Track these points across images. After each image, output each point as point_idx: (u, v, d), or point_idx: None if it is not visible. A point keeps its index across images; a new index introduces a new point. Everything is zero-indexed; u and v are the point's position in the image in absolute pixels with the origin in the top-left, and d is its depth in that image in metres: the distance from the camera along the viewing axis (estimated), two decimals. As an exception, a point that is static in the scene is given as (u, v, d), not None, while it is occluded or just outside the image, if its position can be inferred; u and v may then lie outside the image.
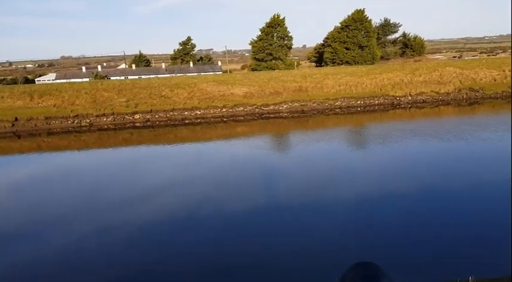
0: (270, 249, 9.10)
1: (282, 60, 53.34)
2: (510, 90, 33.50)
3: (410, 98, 32.90)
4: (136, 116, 30.38)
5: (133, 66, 62.85)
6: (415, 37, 59.85)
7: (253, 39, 53.85)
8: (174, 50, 65.99)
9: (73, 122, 29.63)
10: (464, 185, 12.65)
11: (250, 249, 9.13)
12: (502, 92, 33.43)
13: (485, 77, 35.17)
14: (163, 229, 10.61)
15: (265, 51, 52.38)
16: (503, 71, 35.72)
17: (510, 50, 61.18)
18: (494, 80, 35.00)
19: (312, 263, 8.23)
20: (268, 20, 52.61)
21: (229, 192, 13.54)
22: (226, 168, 17.15)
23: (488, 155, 16.72)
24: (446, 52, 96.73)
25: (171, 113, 31.07)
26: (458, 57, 69.72)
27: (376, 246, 8.86)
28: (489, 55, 74.23)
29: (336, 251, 8.66)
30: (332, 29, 54.26)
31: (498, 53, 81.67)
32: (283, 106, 32.10)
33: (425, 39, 62.90)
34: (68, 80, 41.32)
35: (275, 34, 52.94)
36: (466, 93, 33.51)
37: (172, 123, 29.92)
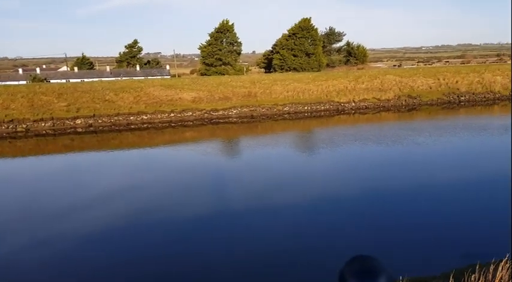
0: (220, 254, 8.97)
1: (231, 65, 53.48)
2: (444, 98, 36.15)
3: (354, 104, 34.26)
4: (78, 121, 28.93)
5: (76, 68, 59.93)
6: (358, 46, 62.73)
7: (202, 44, 53.54)
8: (120, 53, 63.92)
9: (7, 128, 27.61)
10: (400, 187, 13.26)
11: (195, 257, 8.94)
12: (437, 99, 35.82)
13: (422, 85, 37.47)
14: (105, 239, 10.12)
15: (215, 56, 52.25)
16: (438, 79, 38.30)
17: (510, 55, 64.87)
18: (430, 88, 37.37)
19: (245, 268, 8.22)
20: (217, 25, 52.62)
21: (176, 199, 13.22)
22: (175, 174, 16.77)
23: (420, 158, 17.61)
24: (387, 61, 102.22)
25: (116, 117, 29.94)
26: (398, 66, 73.88)
27: (322, 246, 9.03)
28: (425, 64, 79.42)
29: (283, 254, 8.72)
30: (280, 36, 55.42)
31: (434, 63, 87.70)
32: (232, 111, 32.11)
33: (367, 48, 66.15)
34: (2, 83, 38.42)
35: (224, 39, 53.03)
36: (405, 100, 35.49)
37: (116, 128, 28.82)
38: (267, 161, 18.70)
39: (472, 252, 7.09)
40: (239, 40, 54.15)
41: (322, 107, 33.77)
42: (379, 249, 8.72)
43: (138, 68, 59.30)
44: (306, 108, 33.34)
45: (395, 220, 10.67)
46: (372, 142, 21.09)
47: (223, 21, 52.61)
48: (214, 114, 31.48)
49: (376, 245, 8.94)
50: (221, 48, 52.36)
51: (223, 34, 52.70)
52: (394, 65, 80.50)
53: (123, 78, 46.71)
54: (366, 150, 19.79)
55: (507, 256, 5.08)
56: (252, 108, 32.49)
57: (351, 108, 33.82)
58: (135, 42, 62.54)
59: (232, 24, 52.98)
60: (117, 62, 65.82)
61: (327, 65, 57.06)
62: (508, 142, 19.93)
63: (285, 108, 32.96)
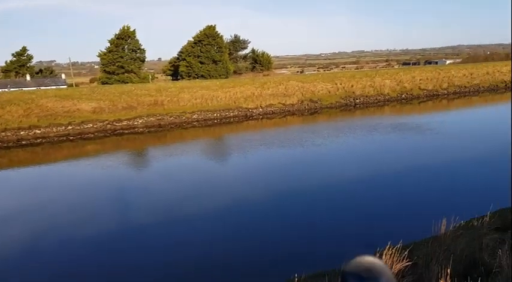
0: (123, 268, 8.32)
1: (135, 73, 51.32)
2: (342, 101, 38.97)
3: (261, 109, 35.13)
4: (-46, 140, 25.15)
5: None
6: (263, 53, 64.82)
7: (101, 51, 50.49)
8: (6, 61, 57.41)
9: None
10: (299, 189, 13.80)
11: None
12: (336, 102, 38.39)
13: (322, 90, 39.87)
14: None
15: (116, 64, 49.64)
16: (336, 84, 41.11)
17: (510, 54, 69.69)
18: (329, 92, 39.94)
19: None
20: (117, 32, 50.11)
21: (70, 220, 12.05)
22: (76, 191, 15.34)
23: (319, 159, 18.70)
24: (290, 67, 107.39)
25: (3, 133, 26.69)
26: (300, 72, 77.96)
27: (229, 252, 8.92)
28: (325, 70, 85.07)
29: (200, 261, 8.42)
30: (186, 43, 54.75)
31: (332, 68, 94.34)
32: (138, 121, 30.72)
33: (272, 55, 68.71)
34: None
35: (126, 46, 50.70)
36: (308, 104, 37.42)
37: (5, 145, 25.68)
38: (176, 171, 18.14)
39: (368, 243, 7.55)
40: (142, 47, 52.30)
41: (231, 114, 34.04)
42: (284, 247, 8.90)
43: (28, 77, 53.77)
44: (215, 115, 33.29)
45: (298, 219, 10.99)
46: (276, 146, 21.72)
47: (124, 27, 50.30)
48: (117, 124, 29.78)
49: (282, 242, 9.09)
50: (123, 55, 49.96)
51: (125, 41, 50.36)
52: (298, 71, 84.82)
53: (11, 89, 41.89)
54: (271, 154, 20.33)
55: (389, 243, 5.47)
56: (159, 117, 31.45)
57: (259, 114, 34.62)
58: (24, 49, 56.72)
59: (134, 30, 50.97)
60: (3, 72, 58.96)
61: (234, 72, 57.87)
62: (395, 139, 22.13)
63: (194, 116, 32.53)
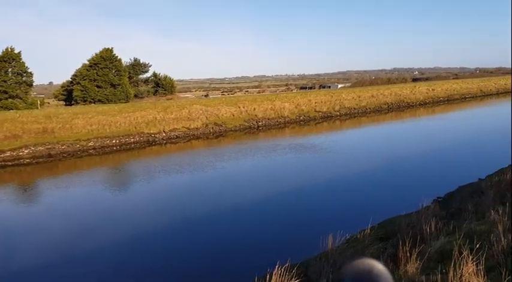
0: None
1: (21, 98, 46.56)
2: (246, 124, 39.98)
3: (164, 134, 34.30)
4: None
5: None
6: (165, 77, 63.91)
7: (-20, 75, 44.98)
8: None
9: None
10: (194, 213, 13.67)
11: None
12: (240, 125, 39.22)
13: (226, 113, 40.48)
14: None
15: (-2, 89, 44.59)
16: (239, 107, 42.12)
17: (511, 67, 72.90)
18: (233, 115, 40.70)
19: None
20: (-1, 53, 45.24)
21: None
22: None
23: (217, 182, 18.68)
24: (195, 91, 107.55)
25: None
26: (205, 96, 78.52)
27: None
28: (229, 94, 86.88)
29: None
30: (80, 66, 51.54)
31: (236, 92, 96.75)
32: (23, 151, 27.68)
33: (176, 79, 68.21)
34: None
35: (10, 69, 45.91)
36: (212, 128, 37.61)
37: None
38: (67, 205, 16.59)
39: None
40: (29, 70, 47.83)
41: (132, 139, 32.61)
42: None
43: None
44: (114, 141, 31.54)
45: (185, 246, 10.78)
46: (176, 172, 21.26)
47: (7, 49, 45.63)
48: (-2, 156, 26.48)
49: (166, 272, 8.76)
50: (6, 79, 45.06)
51: (8, 63, 45.61)
52: (203, 95, 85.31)
53: None
54: (169, 180, 19.79)
55: (278, 263, 5.61)
56: (49, 146, 28.75)
57: (162, 139, 33.73)
58: None
59: (19, 52, 46.54)
60: None
61: (135, 96, 55.94)
62: (290, 159, 23.22)
63: (90, 143, 30.41)
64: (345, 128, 39.34)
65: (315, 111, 45.32)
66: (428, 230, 7.29)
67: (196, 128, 36.56)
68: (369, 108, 49.27)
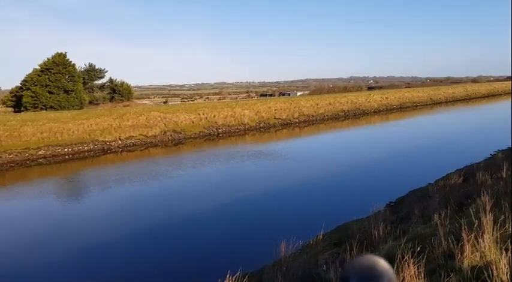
0: None
1: (-36, 104, 43.62)
2: (206, 131, 39.65)
3: (120, 142, 33.31)
4: None
5: None
6: (122, 83, 62.20)
7: None
8: None
9: None
10: (146, 224, 13.36)
11: None
12: (200, 133, 38.84)
13: (185, 120, 39.98)
14: None
15: None
16: (199, 114, 41.75)
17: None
18: (193, 122, 40.27)
19: None
20: None
21: None
22: None
23: (172, 192, 18.33)
24: (154, 97, 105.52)
25: None
26: (164, 103, 77.22)
27: None
28: (189, 101, 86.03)
29: None
30: (31, 71, 49.10)
31: (196, 99, 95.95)
32: (-35, 161, 25.88)
33: (134, 85, 66.57)
34: None
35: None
36: (171, 135, 36.99)
37: None
38: (9, 218, 15.62)
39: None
40: (-26, 75, 45.00)
41: (86, 148, 31.38)
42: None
43: None
44: (66, 150, 30.21)
45: (135, 258, 10.49)
46: (129, 181, 20.56)
47: None
48: None
49: None
50: None
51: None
52: (163, 102, 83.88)
53: None
54: (121, 190, 19.11)
55: (228, 272, 5.55)
56: (-5, 155, 27.06)
57: (118, 147, 32.72)
58: None
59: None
60: None
61: (90, 103, 54.01)
62: (248, 166, 23.23)
63: (40, 152, 28.94)
64: (303, 135, 40.00)
65: (275, 118, 45.79)
66: (377, 234, 7.49)
67: (154, 136, 35.81)
68: (327, 115, 50.45)
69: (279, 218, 12.93)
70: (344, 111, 53.23)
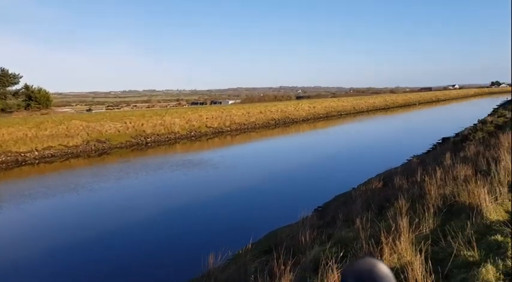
0: None
1: None
2: (133, 140, 38.01)
3: (37, 153, 30.68)
4: None
5: None
6: (40, 90, 57.55)
7: None
8: None
9: None
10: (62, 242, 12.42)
11: None
12: (126, 142, 37.16)
13: (110, 129, 38.02)
14: None
15: None
16: (125, 123, 39.99)
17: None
18: (119, 131, 38.44)
19: None
20: None
21: None
22: None
23: (91, 207, 17.08)
24: (76, 105, 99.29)
25: None
26: (88, 110, 73.02)
27: None
28: (114, 108, 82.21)
29: None
30: None
31: (123, 107, 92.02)
32: None
33: (53, 92, 61.95)
34: None
35: None
36: (95, 145, 34.91)
37: None
38: None
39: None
40: None
41: (-4, 160, 28.42)
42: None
43: None
44: (-29, 162, 27.10)
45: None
46: (44, 195, 18.86)
47: None
48: None
49: None
50: None
51: None
52: (86, 110, 79.23)
53: None
54: (36, 206, 17.48)
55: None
56: None
57: (35, 158, 30.08)
58: None
59: None
60: None
61: (3, 110, 49.18)
62: (177, 177, 22.63)
63: None
64: (235, 143, 40.11)
65: (206, 126, 45.42)
66: (304, 239, 7.59)
67: (76, 146, 33.54)
68: (258, 123, 51.20)
69: (209, 229, 12.63)
70: (274, 119, 54.45)
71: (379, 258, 4.64)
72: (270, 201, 16.25)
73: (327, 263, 4.55)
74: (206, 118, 47.24)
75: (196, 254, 8.04)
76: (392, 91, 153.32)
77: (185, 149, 36.63)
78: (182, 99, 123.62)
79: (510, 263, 3.73)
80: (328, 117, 63.65)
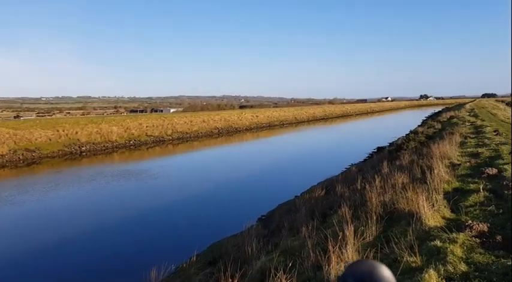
0: None
1: None
2: (66, 149, 35.68)
3: (-46, 163, 27.70)
4: None
5: None
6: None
7: None
8: None
9: None
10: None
11: None
12: (59, 151, 34.84)
13: (40, 137, 35.48)
14: None
15: None
16: (58, 131, 37.55)
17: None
18: (50, 140, 35.98)
19: None
20: None
21: None
22: None
23: (9, 221, 15.76)
24: (2, 111, 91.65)
25: None
26: (16, 117, 67.72)
27: None
28: (45, 115, 76.99)
29: None
30: None
31: (55, 114, 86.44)
32: None
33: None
34: None
35: None
36: (23, 154, 32.32)
37: None
38: None
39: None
40: None
41: None
42: None
43: None
44: None
45: None
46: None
47: None
48: None
49: None
50: None
51: None
52: (14, 117, 73.39)
53: None
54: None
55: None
56: None
57: (-50, 169, 27.12)
58: None
59: None
60: None
61: None
62: (111, 188, 21.47)
63: None
64: (177, 152, 39.21)
65: (147, 135, 43.99)
66: (250, 250, 7.46)
67: (2, 155, 30.80)
68: (201, 132, 50.60)
69: (150, 243, 12.02)
70: (218, 128, 54.17)
71: (327, 266, 4.64)
72: (214, 211, 15.95)
73: (275, 274, 4.46)
74: (146, 126, 45.80)
75: (136, 270, 7.59)
76: (331, 102, 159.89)
77: (123, 159, 35.10)
78: (120, 107, 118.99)
79: (451, 268, 3.88)
80: (270, 126, 64.63)
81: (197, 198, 17.92)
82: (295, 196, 15.27)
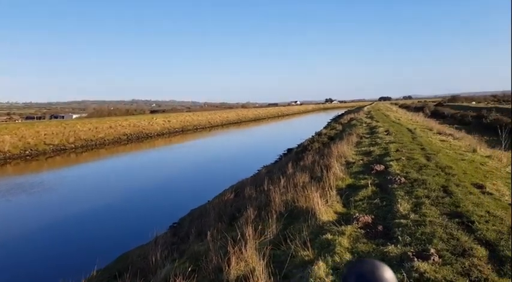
0: None
1: None
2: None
3: None
4: None
5: None
6: None
7: None
8: None
9: None
10: None
11: None
12: None
13: None
14: None
15: None
16: None
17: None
18: None
19: None
20: None
21: None
22: None
23: None
24: None
25: None
26: None
27: None
28: None
29: None
30: None
31: None
32: None
33: None
34: None
35: None
36: None
37: None
38: None
39: None
40: None
41: None
42: None
43: None
44: None
45: None
46: None
47: None
48: None
49: None
50: None
51: None
52: None
53: None
54: None
55: None
56: None
57: None
58: None
59: None
60: None
61: None
62: (2, 204, 19.37)
63: None
64: (81, 161, 36.57)
65: (45, 144, 40.35)
66: (154, 259, 7.25)
67: None
68: (108, 139, 47.90)
69: (48, 260, 11.04)
70: (126, 134, 51.77)
71: (227, 268, 4.71)
72: (123, 222, 15.18)
73: (174, 281, 4.39)
74: (45, 134, 42.02)
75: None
76: (244, 106, 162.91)
77: (18, 171, 31.73)
78: (14, 113, 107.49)
79: (337, 259, 4.20)
80: (184, 131, 63.65)
81: (104, 210, 16.89)
82: (208, 201, 15.22)
